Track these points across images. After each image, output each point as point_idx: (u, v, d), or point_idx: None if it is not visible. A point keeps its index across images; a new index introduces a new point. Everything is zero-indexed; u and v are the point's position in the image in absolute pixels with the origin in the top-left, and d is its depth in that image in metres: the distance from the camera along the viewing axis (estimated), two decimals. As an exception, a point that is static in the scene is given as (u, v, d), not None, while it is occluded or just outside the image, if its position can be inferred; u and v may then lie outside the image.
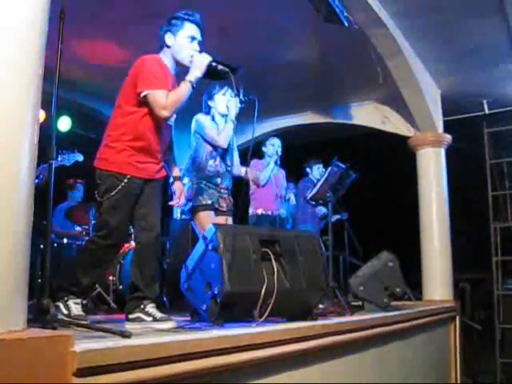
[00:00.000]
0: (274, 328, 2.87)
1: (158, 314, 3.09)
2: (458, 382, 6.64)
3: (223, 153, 4.21)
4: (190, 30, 3.38)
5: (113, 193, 3.13)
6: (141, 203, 3.27)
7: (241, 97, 4.11)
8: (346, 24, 5.02)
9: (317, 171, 6.70)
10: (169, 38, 3.35)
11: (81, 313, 3.13)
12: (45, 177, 3.91)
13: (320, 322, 3.37)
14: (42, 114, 4.78)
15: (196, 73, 3.24)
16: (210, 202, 4.06)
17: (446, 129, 7.45)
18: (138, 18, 5.44)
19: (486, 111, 7.78)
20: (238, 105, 4.12)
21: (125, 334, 2.10)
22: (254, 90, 6.90)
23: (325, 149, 6.95)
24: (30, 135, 1.94)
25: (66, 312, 3.06)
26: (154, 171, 3.33)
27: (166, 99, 3.12)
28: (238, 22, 5.62)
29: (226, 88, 4.22)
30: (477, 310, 9.31)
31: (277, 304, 3.02)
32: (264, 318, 2.97)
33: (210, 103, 4.28)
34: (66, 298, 3.10)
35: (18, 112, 1.91)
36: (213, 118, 4.25)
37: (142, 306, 3.13)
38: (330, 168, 5.13)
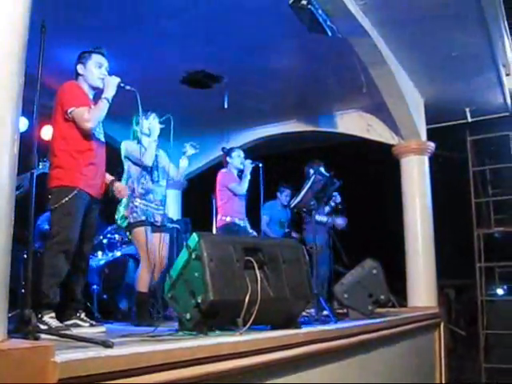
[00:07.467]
0: (257, 336, 2.88)
1: (92, 321, 3.59)
2: (443, 387, 6.68)
3: (151, 171, 4.64)
4: (96, 59, 3.80)
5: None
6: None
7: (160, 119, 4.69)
8: (330, 33, 5.06)
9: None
10: (80, 69, 3.78)
11: (60, 324, 3.26)
12: (27, 187, 3.91)
13: (303, 330, 3.38)
14: (25, 123, 4.75)
15: (109, 92, 3.70)
16: (144, 218, 4.48)
17: (430, 137, 7.52)
18: (122, 26, 5.45)
19: (469, 119, 7.86)
20: (159, 126, 4.69)
21: (107, 344, 2.10)
22: (238, 98, 6.99)
23: (308, 156, 6.98)
24: (10, 145, 1.94)
25: (45, 328, 3.11)
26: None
27: (88, 114, 3.55)
28: (223, 31, 5.64)
29: (148, 113, 4.71)
30: (461, 316, 9.38)
31: (260, 312, 3.03)
32: (248, 326, 2.97)
33: (136, 127, 4.71)
34: (39, 315, 3.19)
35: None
36: (139, 141, 4.66)
37: (77, 314, 3.53)
38: (313, 176, 5.15)
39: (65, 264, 3.40)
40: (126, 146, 4.65)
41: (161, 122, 4.70)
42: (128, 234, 4.62)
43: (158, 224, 4.57)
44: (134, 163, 4.60)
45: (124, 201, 4.51)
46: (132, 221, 4.46)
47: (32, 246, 2.75)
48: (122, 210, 4.52)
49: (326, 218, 6.76)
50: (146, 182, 4.59)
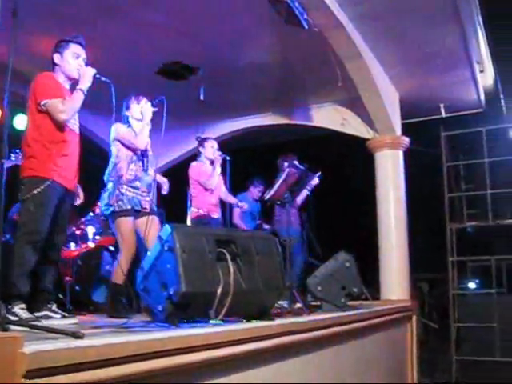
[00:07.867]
0: (229, 328, 2.88)
1: (64, 313, 3.52)
2: (415, 380, 6.75)
3: (141, 157, 4.51)
4: (74, 49, 3.72)
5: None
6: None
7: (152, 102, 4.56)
8: (306, 26, 5.07)
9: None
10: (57, 58, 3.70)
11: (30, 316, 3.23)
12: None
13: (276, 322, 3.39)
14: (-2, 112, 4.64)
15: (85, 83, 3.63)
16: (129, 207, 4.33)
17: (404, 131, 7.59)
18: (97, 15, 5.40)
19: (443, 115, 7.96)
20: (151, 109, 4.53)
21: (77, 335, 2.08)
22: (214, 90, 6.97)
23: (283, 149, 7.01)
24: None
25: (16, 319, 3.09)
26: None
27: (62, 105, 3.50)
28: (199, 24, 5.61)
29: (140, 97, 4.61)
30: (434, 309, 9.51)
31: (233, 304, 3.03)
32: (220, 318, 2.97)
33: (127, 112, 4.61)
34: (10, 307, 3.16)
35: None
36: (129, 125, 4.56)
37: (49, 306, 3.47)
38: (288, 169, 5.16)
39: (32, 255, 3.34)
40: (117, 128, 4.46)
41: (153, 105, 4.55)
42: (111, 222, 4.45)
43: (147, 211, 4.43)
44: (126, 146, 4.44)
45: (109, 187, 4.37)
46: (117, 209, 4.30)
47: (2, 236, 2.72)
48: (106, 198, 4.38)
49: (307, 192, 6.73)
50: (136, 168, 4.45)
